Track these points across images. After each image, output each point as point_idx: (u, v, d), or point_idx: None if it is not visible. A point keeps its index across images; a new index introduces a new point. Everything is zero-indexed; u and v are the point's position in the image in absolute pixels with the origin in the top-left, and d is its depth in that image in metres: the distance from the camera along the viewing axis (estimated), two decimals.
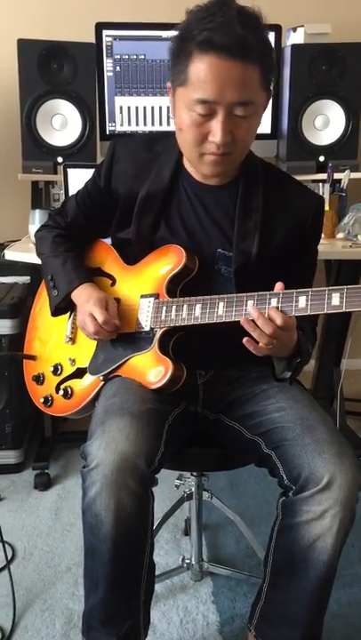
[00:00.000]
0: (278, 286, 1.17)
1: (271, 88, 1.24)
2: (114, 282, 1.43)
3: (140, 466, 1.14)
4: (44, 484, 2.12)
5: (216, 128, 1.19)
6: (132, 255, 1.40)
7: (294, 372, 1.28)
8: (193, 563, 1.68)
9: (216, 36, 1.13)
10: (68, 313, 1.47)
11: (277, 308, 1.15)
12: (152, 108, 2.23)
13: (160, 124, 2.25)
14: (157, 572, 1.55)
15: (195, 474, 1.60)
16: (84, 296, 1.36)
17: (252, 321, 1.16)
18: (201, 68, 1.15)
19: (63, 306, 1.42)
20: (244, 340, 1.16)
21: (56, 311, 1.44)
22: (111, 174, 1.39)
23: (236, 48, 1.13)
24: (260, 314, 1.15)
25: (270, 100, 1.26)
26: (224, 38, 1.12)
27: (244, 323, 1.16)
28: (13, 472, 2.21)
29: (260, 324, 1.15)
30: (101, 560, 1.18)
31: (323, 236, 2.11)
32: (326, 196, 2.15)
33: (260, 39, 1.16)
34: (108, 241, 1.48)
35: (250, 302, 1.18)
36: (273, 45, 1.26)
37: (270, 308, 1.16)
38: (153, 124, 2.25)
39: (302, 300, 1.14)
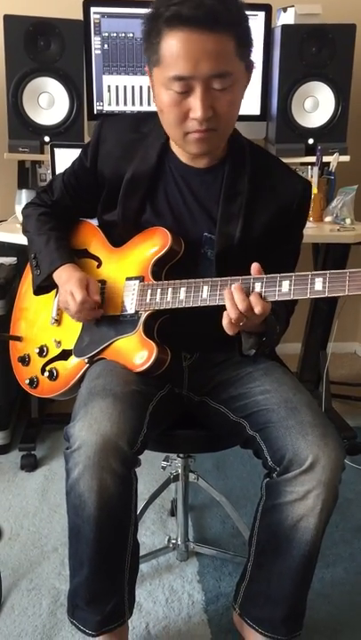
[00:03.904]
0: (255, 268, 1.16)
1: (251, 58, 1.21)
2: (100, 263, 1.42)
3: (122, 447, 1.15)
4: (30, 465, 2.13)
5: (195, 104, 1.16)
6: (119, 237, 1.39)
7: (258, 349, 1.28)
8: (179, 543, 1.69)
9: (184, 10, 1.10)
10: (54, 294, 1.46)
11: (260, 295, 1.15)
12: (140, 87, 2.21)
13: (149, 103, 2.23)
14: (144, 552, 1.57)
15: (181, 455, 1.61)
16: (65, 276, 1.35)
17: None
18: (172, 44, 1.13)
19: (45, 285, 1.42)
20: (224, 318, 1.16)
21: (38, 290, 1.43)
22: (97, 155, 1.37)
23: (205, 19, 1.10)
24: (241, 291, 1.15)
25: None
26: (192, 11, 1.09)
27: (227, 294, 1.16)
28: (0, 453, 2.21)
29: (238, 302, 1.15)
30: (85, 540, 1.19)
31: (311, 219, 2.13)
32: (315, 180, 2.15)
33: (230, 8, 1.13)
34: (95, 222, 1.47)
35: (234, 286, 1.17)
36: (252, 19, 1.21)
37: (253, 294, 1.15)
38: (141, 103, 2.23)
39: (285, 285, 1.14)
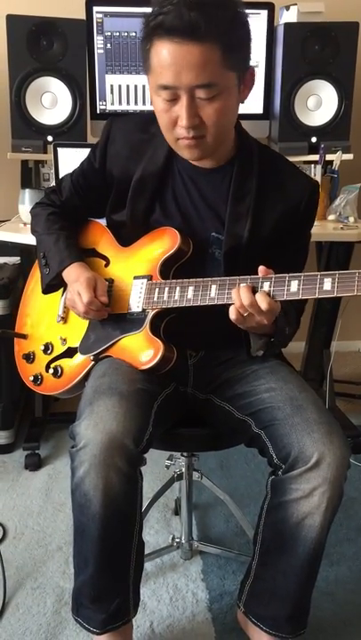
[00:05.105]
0: (261, 270, 1.16)
1: (250, 64, 1.21)
2: (108, 263, 1.43)
3: (128, 445, 1.15)
4: (34, 464, 2.13)
5: (181, 112, 1.18)
6: (127, 237, 1.40)
7: (266, 351, 1.29)
8: (183, 542, 1.69)
9: (167, 20, 1.11)
10: (61, 292, 1.47)
11: (268, 293, 1.15)
12: (143, 86, 2.20)
13: (151, 103, 2.22)
14: (148, 551, 1.57)
15: (185, 454, 1.61)
16: (74, 275, 1.35)
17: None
18: (158, 53, 1.14)
19: (54, 283, 1.42)
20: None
21: (47, 289, 1.43)
22: (106, 155, 1.37)
23: (185, 30, 1.10)
24: (249, 291, 1.15)
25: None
26: (173, 21, 1.10)
27: (235, 292, 1.17)
28: (4, 452, 2.21)
29: (243, 297, 1.15)
30: (90, 538, 1.19)
31: None
32: (318, 178, 2.15)
33: (215, 18, 1.11)
34: (103, 222, 1.47)
35: (242, 285, 1.17)
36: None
37: (261, 292, 1.15)
38: (144, 102, 2.23)
39: (294, 285, 1.14)
